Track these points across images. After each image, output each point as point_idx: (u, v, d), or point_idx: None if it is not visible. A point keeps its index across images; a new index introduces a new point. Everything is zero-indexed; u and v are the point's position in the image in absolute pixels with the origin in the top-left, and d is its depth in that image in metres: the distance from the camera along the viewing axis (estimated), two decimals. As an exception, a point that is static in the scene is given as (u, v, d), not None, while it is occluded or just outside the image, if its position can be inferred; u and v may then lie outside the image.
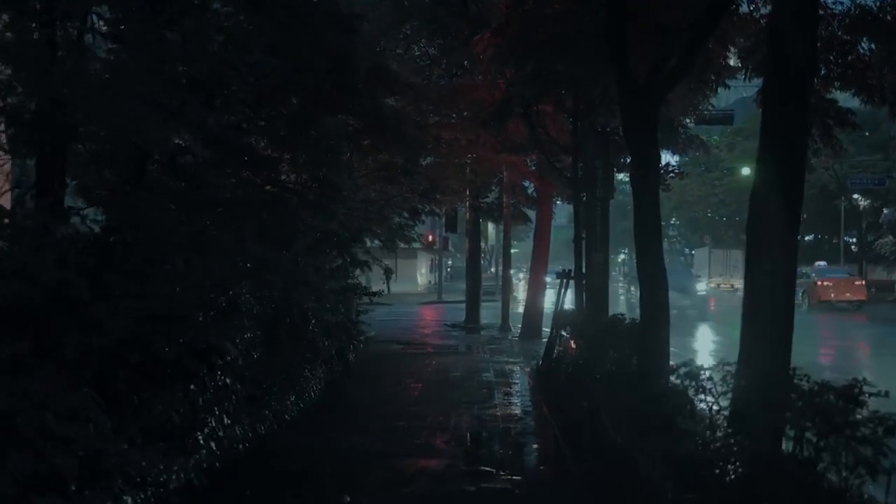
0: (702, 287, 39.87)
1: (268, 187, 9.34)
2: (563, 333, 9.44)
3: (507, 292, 20.13)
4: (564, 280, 10.76)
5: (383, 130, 11.47)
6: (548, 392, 9.27)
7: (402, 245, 20.40)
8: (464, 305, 23.56)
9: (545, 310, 18.05)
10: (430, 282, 52.16)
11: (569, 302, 10.76)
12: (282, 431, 6.94)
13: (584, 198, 10.83)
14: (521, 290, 42.69)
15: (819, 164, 38.02)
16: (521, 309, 20.01)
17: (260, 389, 6.30)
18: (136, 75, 5.18)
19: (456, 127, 14.59)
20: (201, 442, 5.09)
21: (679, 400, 4.82)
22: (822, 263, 32.10)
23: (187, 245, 5.24)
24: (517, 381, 10.78)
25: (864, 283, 29.64)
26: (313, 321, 8.59)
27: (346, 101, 9.92)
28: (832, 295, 27.22)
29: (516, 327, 19.59)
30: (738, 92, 12.52)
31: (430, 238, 38.80)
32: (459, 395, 9.34)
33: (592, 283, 9.24)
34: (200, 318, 4.92)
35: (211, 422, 5.25)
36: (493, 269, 45.29)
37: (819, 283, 26.97)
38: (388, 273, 11.71)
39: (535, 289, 17.87)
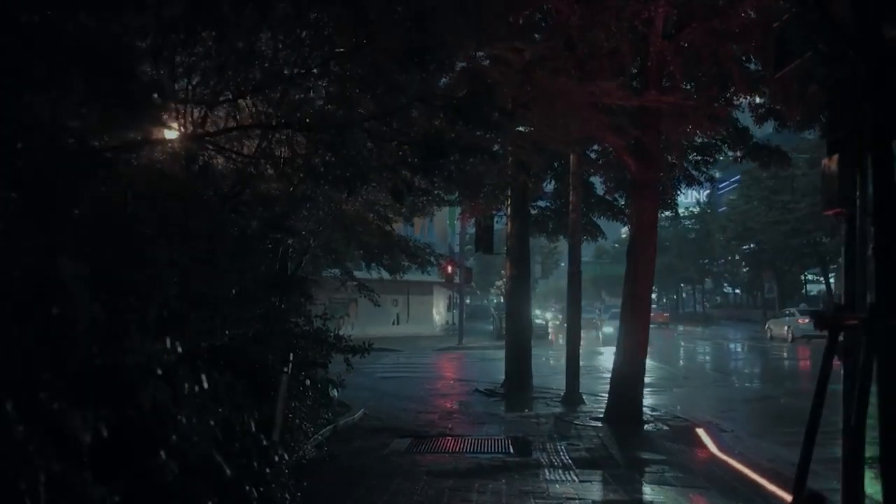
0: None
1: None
2: None
3: (576, 343, 12.86)
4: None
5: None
6: None
7: (412, 267, 13.52)
8: (491, 353, 17.03)
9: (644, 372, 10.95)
10: (447, 322, 45.00)
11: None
12: None
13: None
14: (554, 334, 35.63)
15: None
16: (553, 362, 15.62)
17: None
18: None
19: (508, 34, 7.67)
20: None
21: None
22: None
23: None
24: None
25: (667, 315, 54.79)
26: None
27: None
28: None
29: (591, 399, 12.55)
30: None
31: (450, 269, 31.67)
32: None
33: None
34: None
35: None
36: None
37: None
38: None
39: (633, 338, 10.69)
